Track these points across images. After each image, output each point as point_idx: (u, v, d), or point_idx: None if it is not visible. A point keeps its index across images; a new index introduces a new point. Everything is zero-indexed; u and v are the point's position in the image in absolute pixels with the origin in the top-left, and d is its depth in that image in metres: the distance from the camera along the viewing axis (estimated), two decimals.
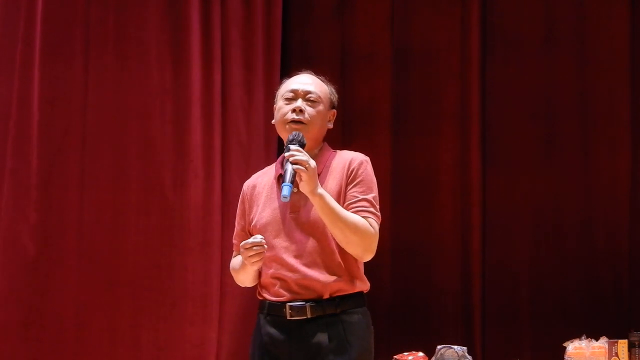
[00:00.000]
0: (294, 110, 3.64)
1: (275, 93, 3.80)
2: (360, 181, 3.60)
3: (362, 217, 3.53)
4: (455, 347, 5.05)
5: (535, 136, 5.72)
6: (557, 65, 5.72)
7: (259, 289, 3.68)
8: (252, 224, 3.67)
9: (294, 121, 3.62)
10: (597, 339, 5.11)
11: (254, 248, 3.46)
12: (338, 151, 3.74)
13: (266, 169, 3.84)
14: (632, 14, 5.69)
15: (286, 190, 3.37)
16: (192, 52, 5.52)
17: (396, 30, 5.82)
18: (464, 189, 5.71)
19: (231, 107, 5.59)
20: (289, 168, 3.42)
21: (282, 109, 3.68)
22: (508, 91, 5.75)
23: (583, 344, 5.06)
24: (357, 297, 3.59)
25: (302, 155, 3.43)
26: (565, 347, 5.09)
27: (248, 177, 5.53)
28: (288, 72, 5.78)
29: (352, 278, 3.57)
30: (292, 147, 3.48)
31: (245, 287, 5.52)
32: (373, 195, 3.59)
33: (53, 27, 5.44)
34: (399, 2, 5.83)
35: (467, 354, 5.08)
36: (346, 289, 3.55)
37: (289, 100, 3.68)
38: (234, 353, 5.46)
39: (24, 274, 5.30)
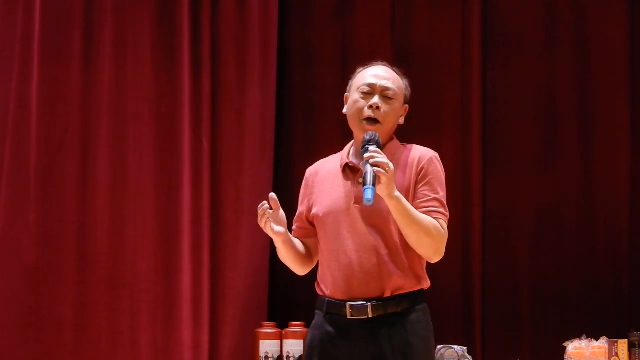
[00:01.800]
0: (370, 107, 3.55)
1: (350, 83, 3.68)
2: (431, 179, 3.52)
3: (433, 217, 3.46)
4: (455, 347, 5.05)
5: (535, 136, 5.72)
6: (557, 66, 5.73)
7: (318, 282, 3.60)
8: (314, 212, 3.59)
9: (369, 118, 3.54)
10: (597, 339, 5.11)
11: (260, 210, 3.43)
12: (407, 145, 3.64)
13: (331, 156, 3.74)
14: (632, 15, 5.69)
15: (369, 193, 3.29)
16: (183, 55, 5.51)
17: (396, 31, 5.82)
18: (464, 189, 5.70)
19: (222, 109, 5.57)
20: (369, 170, 3.33)
21: (358, 103, 3.58)
22: (508, 91, 5.75)
23: (583, 344, 5.06)
24: (417, 295, 3.52)
25: (383, 158, 3.34)
26: (565, 347, 5.09)
27: (241, 178, 5.58)
28: (287, 72, 5.86)
29: (414, 275, 3.51)
30: (371, 147, 3.40)
31: (242, 289, 5.55)
32: (442, 194, 3.52)
33: (51, 28, 5.44)
34: (399, 2, 5.82)
35: (467, 354, 5.08)
36: (408, 286, 3.48)
37: (366, 95, 3.58)
38: (233, 353, 5.46)
39: (23, 275, 5.30)
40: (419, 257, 3.51)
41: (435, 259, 3.51)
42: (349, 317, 3.46)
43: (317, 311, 3.57)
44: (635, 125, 5.66)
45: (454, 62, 5.74)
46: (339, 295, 3.49)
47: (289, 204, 5.75)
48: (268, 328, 5.40)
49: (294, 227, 3.69)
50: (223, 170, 5.56)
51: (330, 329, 3.50)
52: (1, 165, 5.33)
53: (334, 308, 3.49)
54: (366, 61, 5.77)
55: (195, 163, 5.50)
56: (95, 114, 5.46)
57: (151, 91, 5.50)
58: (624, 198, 5.64)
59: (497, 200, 5.71)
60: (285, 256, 3.63)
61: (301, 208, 3.69)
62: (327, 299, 3.52)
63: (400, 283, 3.47)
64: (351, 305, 3.46)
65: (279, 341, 5.36)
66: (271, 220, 3.49)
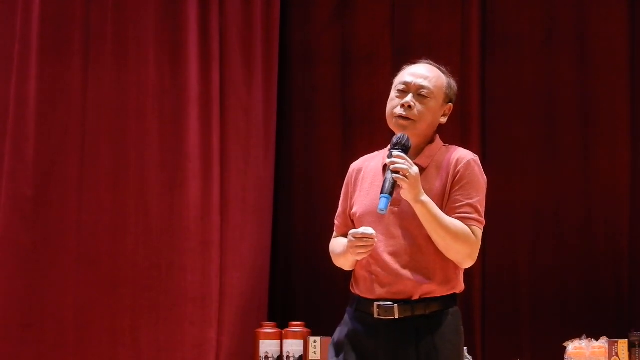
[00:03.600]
0: (402, 106, 3.51)
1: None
2: (466, 184, 3.47)
3: (466, 224, 3.42)
4: None
5: (535, 136, 5.72)
6: (557, 65, 5.72)
7: (352, 280, 3.58)
8: (353, 210, 3.57)
9: (401, 117, 3.51)
10: (597, 339, 5.11)
11: (364, 239, 3.36)
12: (449, 146, 3.61)
13: (375, 153, 3.69)
14: (631, 15, 5.69)
15: (383, 203, 3.28)
16: (190, 52, 5.51)
17: (396, 30, 5.82)
18: None
19: (230, 107, 5.58)
20: (389, 177, 3.32)
21: (393, 101, 3.55)
22: (508, 91, 5.75)
23: (583, 344, 5.06)
24: (448, 299, 3.50)
25: (403, 164, 3.32)
26: (565, 347, 5.09)
27: (247, 177, 5.59)
28: (288, 72, 5.86)
29: (446, 279, 3.48)
30: (394, 152, 3.37)
31: (244, 288, 5.55)
32: (478, 199, 3.47)
33: (51, 26, 5.44)
34: (399, 2, 5.83)
35: (467, 354, 5.08)
36: (438, 291, 3.46)
37: (401, 93, 3.54)
38: (233, 353, 5.46)
39: (24, 274, 5.30)
40: (454, 261, 3.48)
41: (466, 264, 3.49)
42: (375, 316, 3.45)
43: (348, 308, 3.57)
44: (635, 124, 5.66)
45: (453, 62, 5.71)
46: (368, 294, 3.48)
47: (290, 203, 5.81)
48: (268, 328, 5.40)
49: (337, 224, 3.67)
50: (231, 168, 5.55)
51: (358, 326, 3.49)
52: (1, 165, 5.33)
53: (363, 306, 3.49)
54: (366, 61, 5.82)
55: (204, 160, 5.50)
56: (96, 111, 5.45)
57: (154, 87, 5.49)
58: (624, 198, 5.64)
59: (496, 200, 5.69)
60: (347, 262, 3.58)
61: (344, 205, 3.67)
62: (357, 296, 3.52)
63: (430, 287, 3.45)
64: (378, 305, 3.45)
65: (279, 341, 5.36)
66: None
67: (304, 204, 5.79)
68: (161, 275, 5.41)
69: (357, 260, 3.55)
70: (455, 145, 5.78)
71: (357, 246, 3.38)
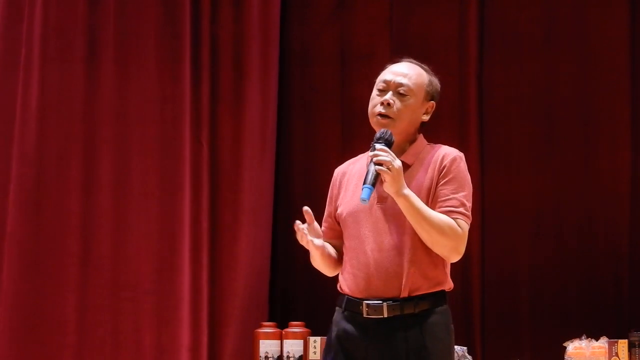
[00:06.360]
0: (382, 103, 3.54)
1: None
2: (452, 178, 3.47)
3: (451, 217, 3.42)
4: (456, 347, 5.04)
5: (534, 136, 5.72)
6: (556, 65, 5.72)
7: (340, 279, 3.58)
8: (339, 211, 3.58)
9: (380, 115, 3.53)
10: (597, 339, 5.11)
11: (300, 230, 3.44)
12: (433, 145, 3.61)
13: (359, 156, 3.71)
14: (632, 15, 5.69)
15: (365, 193, 3.29)
16: (184, 57, 5.53)
17: (395, 30, 5.82)
18: None
19: (220, 113, 5.59)
20: (372, 169, 3.33)
21: (373, 99, 3.58)
22: (507, 91, 5.75)
23: (583, 344, 5.06)
24: (437, 296, 3.47)
25: (386, 156, 3.33)
26: (565, 347, 5.09)
27: (240, 181, 5.59)
28: (287, 72, 5.86)
29: (434, 276, 3.46)
30: (377, 146, 3.38)
31: (242, 289, 5.56)
32: (464, 193, 3.46)
33: (54, 33, 5.49)
34: (397, 1, 5.83)
35: (467, 354, 5.08)
36: (427, 288, 3.44)
37: (381, 91, 3.57)
38: (233, 354, 5.46)
39: (27, 277, 5.33)
40: (443, 258, 3.48)
41: (453, 258, 3.47)
42: (364, 315, 3.45)
43: (337, 307, 3.56)
44: (636, 124, 5.66)
45: (451, 61, 5.74)
46: (357, 294, 3.48)
47: (290, 203, 5.81)
48: (268, 328, 5.40)
49: (322, 229, 3.65)
50: (222, 171, 5.57)
51: (347, 326, 3.49)
52: (8, 169, 5.38)
53: (352, 306, 3.49)
54: (365, 61, 5.81)
55: (195, 165, 5.52)
56: (98, 118, 5.50)
57: (154, 94, 5.53)
58: (624, 198, 5.64)
59: (496, 199, 5.71)
60: (320, 262, 3.61)
61: (329, 209, 3.68)
62: (346, 296, 3.52)
63: (418, 284, 3.44)
64: (367, 304, 3.44)
65: (279, 341, 5.36)
66: (310, 236, 3.47)
67: (304, 204, 5.78)
68: (162, 279, 5.45)
69: (337, 262, 3.58)
70: (454, 143, 5.80)
71: (300, 240, 3.45)
